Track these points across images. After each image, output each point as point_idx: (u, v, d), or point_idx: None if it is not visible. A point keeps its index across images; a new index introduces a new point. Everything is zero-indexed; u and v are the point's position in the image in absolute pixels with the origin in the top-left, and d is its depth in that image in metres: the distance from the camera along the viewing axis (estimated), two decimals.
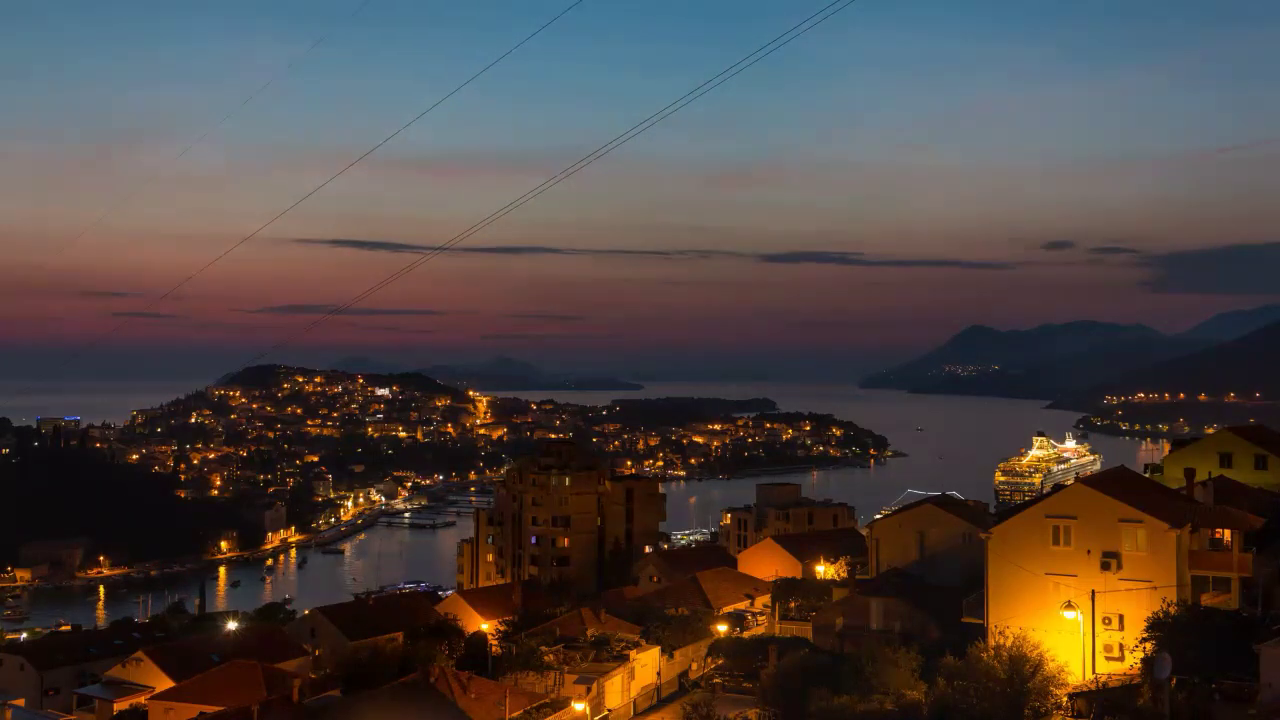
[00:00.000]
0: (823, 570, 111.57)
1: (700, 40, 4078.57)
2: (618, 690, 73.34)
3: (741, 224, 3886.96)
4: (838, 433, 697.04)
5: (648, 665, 77.67)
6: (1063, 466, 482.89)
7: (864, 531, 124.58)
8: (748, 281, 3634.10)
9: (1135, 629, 58.39)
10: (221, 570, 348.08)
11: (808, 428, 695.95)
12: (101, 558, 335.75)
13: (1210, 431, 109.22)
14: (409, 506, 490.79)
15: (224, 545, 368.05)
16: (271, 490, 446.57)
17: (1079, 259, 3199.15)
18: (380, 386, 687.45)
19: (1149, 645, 54.68)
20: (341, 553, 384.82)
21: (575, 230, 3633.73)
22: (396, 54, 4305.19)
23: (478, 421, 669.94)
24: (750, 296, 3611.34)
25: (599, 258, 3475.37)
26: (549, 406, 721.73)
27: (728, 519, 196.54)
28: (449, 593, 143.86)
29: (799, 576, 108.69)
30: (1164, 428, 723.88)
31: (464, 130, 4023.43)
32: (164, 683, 78.71)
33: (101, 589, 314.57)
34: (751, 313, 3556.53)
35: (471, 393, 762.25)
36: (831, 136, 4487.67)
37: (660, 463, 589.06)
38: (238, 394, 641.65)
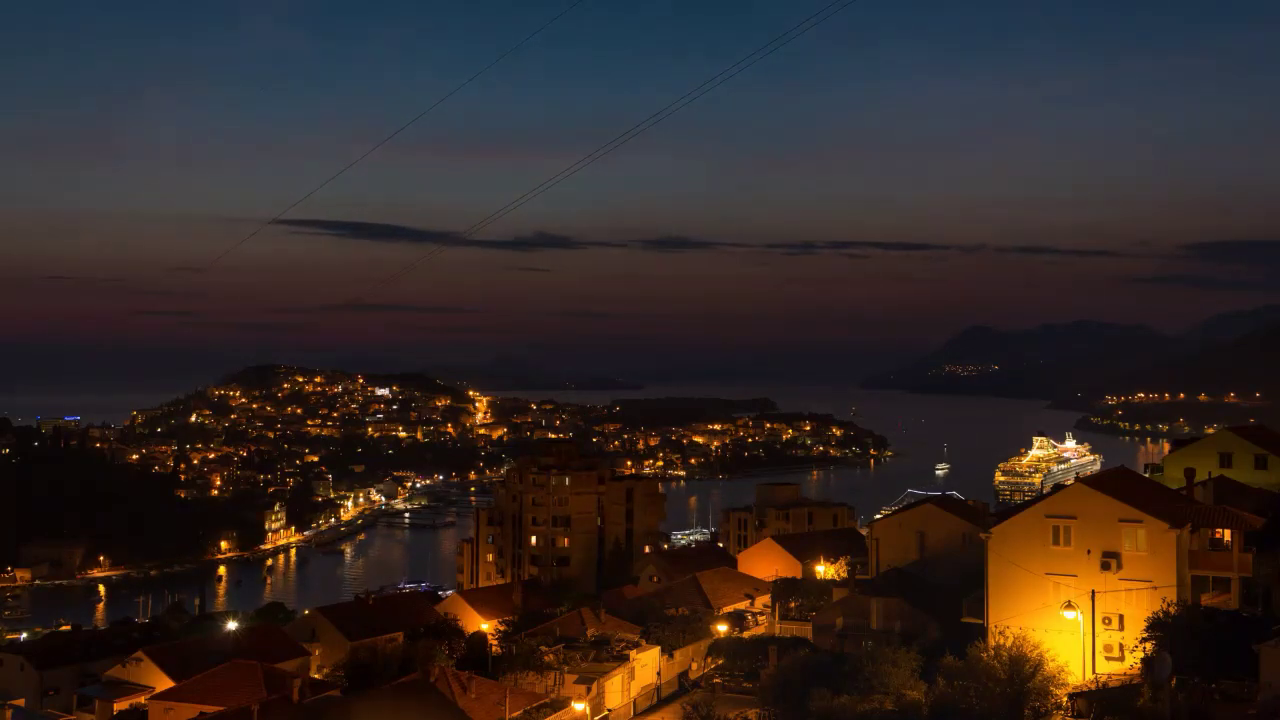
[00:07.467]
0: (823, 570, 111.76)
1: (693, 40, 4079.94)
2: (618, 690, 73.35)
3: (741, 220, 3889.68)
4: (838, 433, 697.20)
5: (648, 665, 77.66)
6: (1063, 466, 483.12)
7: (864, 531, 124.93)
8: (749, 279, 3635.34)
9: (1135, 629, 58.39)
10: (221, 570, 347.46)
11: (808, 428, 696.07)
12: (101, 558, 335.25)
13: (1210, 431, 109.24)
14: (409, 506, 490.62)
15: (224, 545, 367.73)
16: (271, 490, 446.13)
17: (1081, 257, 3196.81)
18: (380, 386, 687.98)
19: (1149, 645, 54.65)
20: (341, 553, 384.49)
21: (574, 227, 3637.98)
22: (393, 49, 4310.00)
23: (478, 421, 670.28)
24: (751, 295, 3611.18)
25: (599, 254, 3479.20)
26: (549, 406, 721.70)
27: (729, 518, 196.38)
28: (449, 593, 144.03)
29: (799, 576, 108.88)
30: (1164, 428, 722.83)
31: (463, 121, 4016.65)
32: (164, 683, 78.71)
33: (102, 589, 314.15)
34: (751, 311, 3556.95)
35: (471, 393, 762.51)
36: (832, 133, 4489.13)
37: (660, 463, 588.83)
38: (238, 394, 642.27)
